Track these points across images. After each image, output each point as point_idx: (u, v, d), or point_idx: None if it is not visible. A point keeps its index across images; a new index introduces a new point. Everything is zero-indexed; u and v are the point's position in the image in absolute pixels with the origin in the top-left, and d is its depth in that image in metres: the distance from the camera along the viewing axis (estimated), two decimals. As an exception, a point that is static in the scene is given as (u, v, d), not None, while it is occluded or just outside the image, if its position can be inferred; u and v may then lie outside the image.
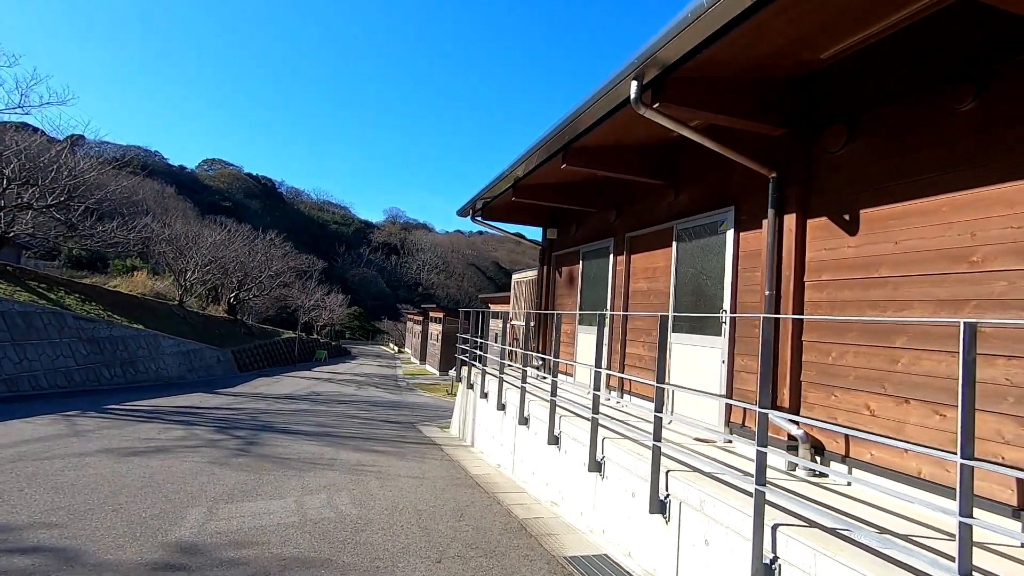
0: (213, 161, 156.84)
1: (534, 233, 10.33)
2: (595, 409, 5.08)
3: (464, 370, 11.03)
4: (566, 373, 8.87)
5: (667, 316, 6.05)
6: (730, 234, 5.27)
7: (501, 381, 8.07)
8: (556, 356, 6.18)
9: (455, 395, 26.41)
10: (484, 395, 9.07)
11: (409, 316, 60.34)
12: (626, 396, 7.00)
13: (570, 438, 5.76)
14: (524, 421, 7.02)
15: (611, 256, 7.62)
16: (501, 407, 8.07)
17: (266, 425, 10.97)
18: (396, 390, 26.14)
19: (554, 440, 6.02)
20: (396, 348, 68.40)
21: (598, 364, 5.24)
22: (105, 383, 16.98)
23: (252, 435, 9.53)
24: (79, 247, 27.43)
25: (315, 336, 54.32)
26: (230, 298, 35.51)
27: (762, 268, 4.71)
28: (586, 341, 8.23)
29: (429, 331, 42.20)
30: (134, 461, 6.93)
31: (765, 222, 4.73)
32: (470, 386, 10.12)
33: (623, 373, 7.06)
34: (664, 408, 4.85)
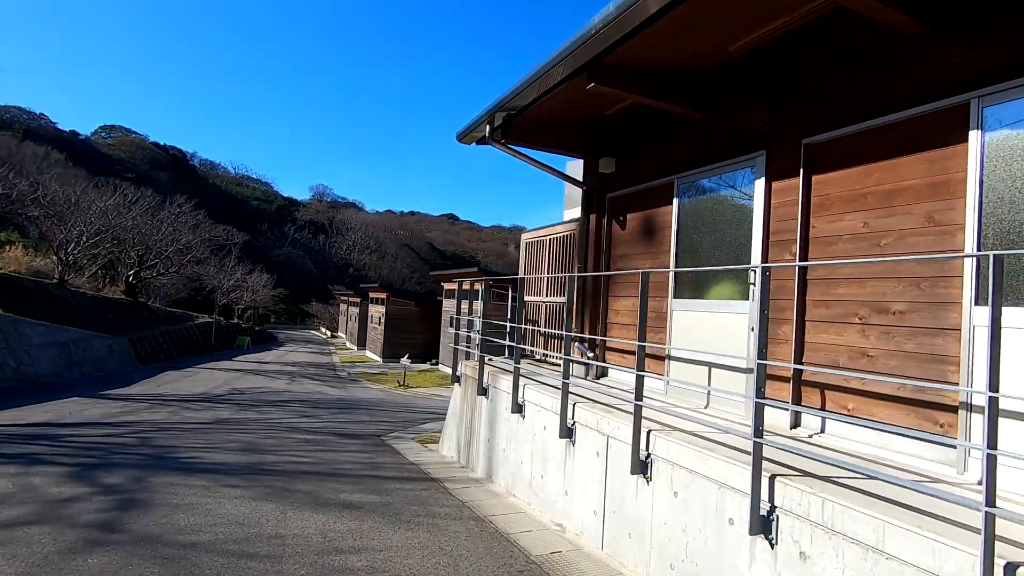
0: (112, 128, 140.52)
1: (553, 163, 7.05)
2: (990, 502, 2.06)
3: (464, 367, 7.76)
4: (646, 371, 5.83)
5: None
6: None
7: (566, 392, 4.92)
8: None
9: (408, 387, 22.93)
10: (519, 409, 5.88)
11: (343, 298, 55.30)
12: (804, 413, 4.06)
13: (804, 522, 2.74)
14: (641, 468, 3.94)
15: (758, 181, 4.61)
16: (567, 433, 4.93)
17: (163, 455, 7.25)
18: (338, 383, 22.29)
19: (762, 526, 2.97)
20: (328, 333, 62.97)
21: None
22: (-69, 388, 12.28)
23: (135, 481, 5.86)
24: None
25: (236, 321, 48.37)
26: (128, 276, 29.80)
27: None
28: (691, 322, 5.22)
29: (369, 314, 37.98)
30: None
31: None
32: (482, 391, 6.89)
33: (796, 366, 4.13)
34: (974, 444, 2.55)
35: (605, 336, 6.59)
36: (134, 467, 6.50)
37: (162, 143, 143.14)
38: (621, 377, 6.26)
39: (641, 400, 3.94)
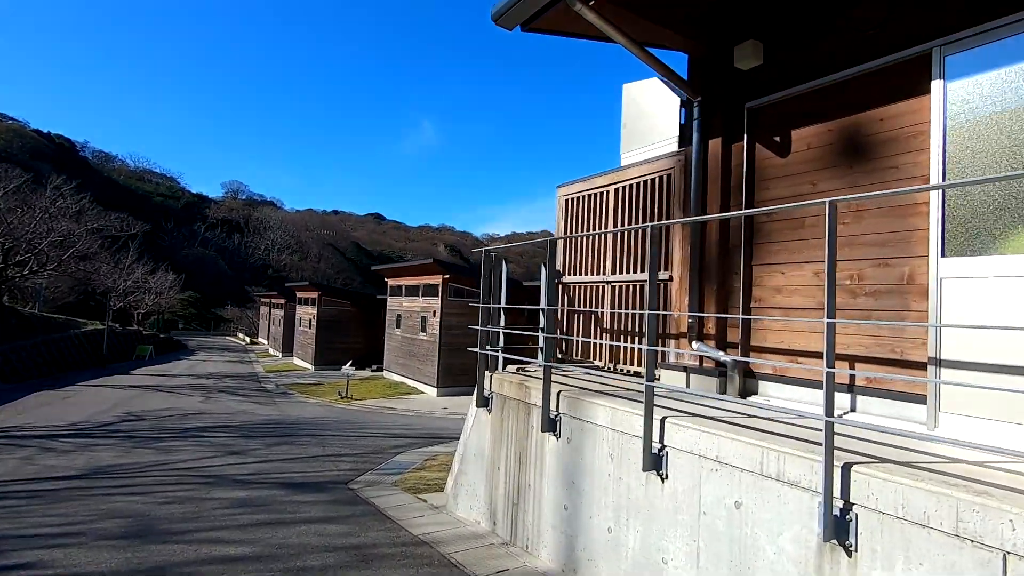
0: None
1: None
2: None
3: (500, 384, 5.01)
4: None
5: None
6: None
7: (831, 442, 2.36)
8: None
9: (351, 399, 19.49)
10: (656, 463, 3.26)
11: (264, 300, 49.92)
12: None
13: None
14: None
15: None
16: (838, 530, 2.37)
17: (-30, 564, 4.02)
18: (265, 397, 18.60)
19: None
20: (247, 339, 56.97)
21: None
22: None
23: None
24: None
25: (136, 327, 42.13)
26: (-10, 275, 24.18)
27: None
28: (994, 299, 2.84)
29: (298, 316, 33.67)
30: None
31: None
32: (550, 426, 4.19)
33: None
34: None
35: (750, 327, 4.13)
36: None
37: (47, 131, 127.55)
38: (792, 395, 3.82)
39: None
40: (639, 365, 5.15)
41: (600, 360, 5.59)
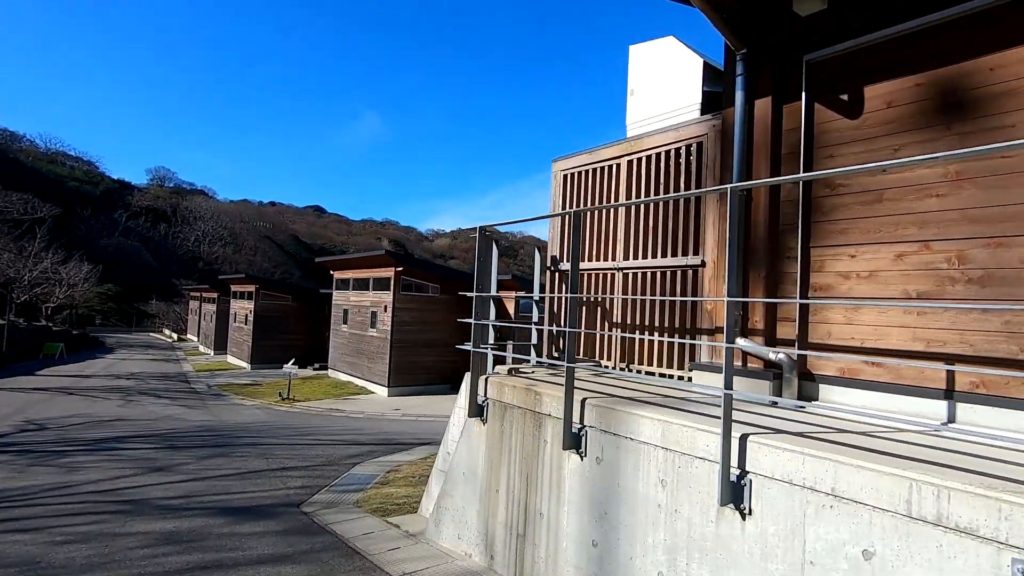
0: None
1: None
2: None
3: (502, 390, 4.16)
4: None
5: None
6: None
7: None
8: None
9: (294, 401, 17.94)
10: (737, 496, 2.52)
11: (195, 294, 46.51)
12: None
13: None
14: None
15: None
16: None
17: None
18: (196, 399, 16.85)
19: None
20: (175, 336, 53.00)
21: None
22: None
23: None
24: None
25: (44, 323, 38.14)
26: None
27: None
28: None
29: (232, 311, 31.27)
30: None
31: None
32: (573, 442, 3.39)
33: None
34: None
35: (807, 322, 3.48)
36: None
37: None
38: (863, 401, 3.19)
39: None
40: (658, 365, 4.44)
41: (608, 359, 4.85)
